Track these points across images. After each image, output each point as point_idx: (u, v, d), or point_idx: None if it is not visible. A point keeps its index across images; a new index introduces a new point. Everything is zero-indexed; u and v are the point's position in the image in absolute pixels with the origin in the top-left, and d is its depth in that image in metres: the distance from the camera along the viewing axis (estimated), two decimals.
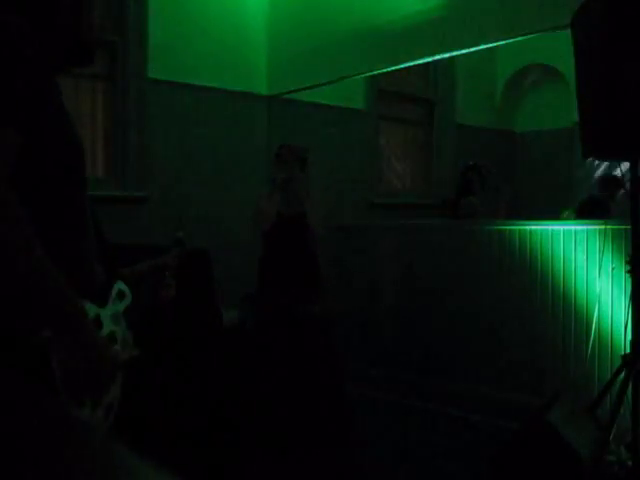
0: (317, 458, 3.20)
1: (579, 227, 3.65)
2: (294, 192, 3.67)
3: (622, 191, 4.76)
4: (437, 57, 4.25)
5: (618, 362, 2.73)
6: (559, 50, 4.70)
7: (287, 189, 3.62)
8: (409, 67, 4.63)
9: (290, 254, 3.63)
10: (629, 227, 2.71)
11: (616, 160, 2.98)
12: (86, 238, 1.34)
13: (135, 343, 1.46)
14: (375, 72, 4.73)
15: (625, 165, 2.87)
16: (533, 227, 3.84)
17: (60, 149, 1.25)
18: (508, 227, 3.97)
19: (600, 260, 3.42)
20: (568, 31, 2.71)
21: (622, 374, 2.60)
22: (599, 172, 6.14)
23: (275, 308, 3.56)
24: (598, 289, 3.45)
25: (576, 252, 3.62)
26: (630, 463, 2.60)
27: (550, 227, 3.76)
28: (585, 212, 5.19)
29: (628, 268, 2.71)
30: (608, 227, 3.41)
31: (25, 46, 1.16)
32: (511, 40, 3.83)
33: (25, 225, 1.07)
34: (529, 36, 3.72)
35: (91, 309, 1.29)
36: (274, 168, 3.70)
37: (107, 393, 1.28)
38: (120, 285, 1.45)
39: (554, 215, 4.85)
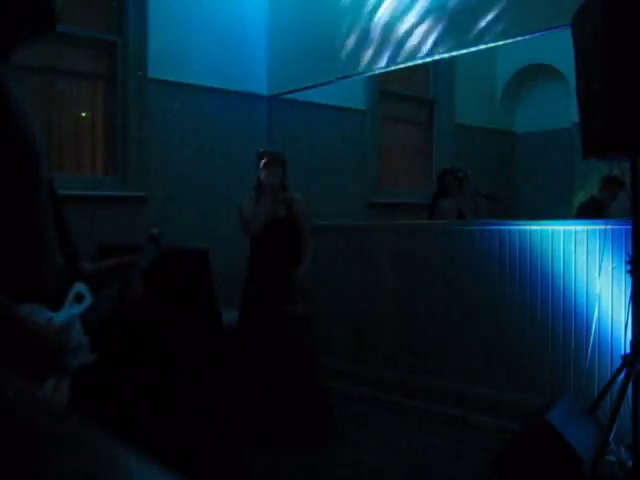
0: (296, 453, 3.24)
1: (579, 227, 3.65)
2: (282, 197, 3.77)
3: (623, 192, 4.76)
4: (437, 57, 4.25)
5: (618, 362, 2.73)
6: (559, 50, 4.70)
7: (275, 194, 3.70)
8: (409, 67, 4.63)
9: (276, 256, 3.73)
10: (629, 227, 2.71)
11: (616, 160, 2.98)
12: (39, 240, 1.26)
13: (92, 348, 1.38)
14: (375, 72, 4.73)
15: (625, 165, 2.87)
16: (533, 227, 3.84)
17: (12, 150, 1.18)
18: (508, 227, 3.97)
19: (600, 260, 3.42)
20: (568, 31, 2.71)
21: (622, 374, 2.60)
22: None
23: (258, 306, 3.66)
24: (598, 289, 3.45)
25: (576, 252, 3.62)
26: (630, 463, 2.60)
27: (550, 227, 3.76)
28: (585, 212, 5.19)
29: (628, 268, 2.71)
30: (608, 227, 3.41)
31: None
32: (511, 40, 3.83)
33: None
34: (529, 36, 3.72)
35: (42, 313, 1.24)
36: (261, 174, 3.77)
37: (45, 381, 1.22)
38: (79, 287, 1.37)
39: (554, 215, 4.85)
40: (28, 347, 1.15)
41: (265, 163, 3.75)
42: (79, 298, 1.36)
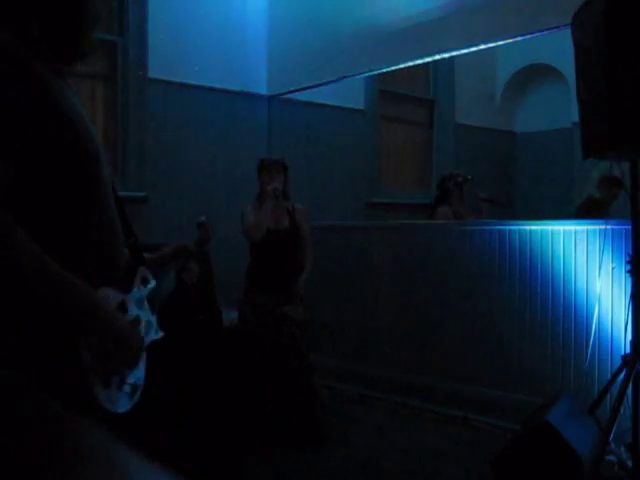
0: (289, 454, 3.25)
1: (579, 227, 3.65)
2: (284, 205, 3.80)
3: (623, 192, 4.76)
4: (437, 57, 4.25)
5: (618, 362, 2.73)
6: (559, 50, 4.70)
7: (278, 201, 3.72)
8: (409, 67, 4.63)
9: (277, 265, 3.76)
10: (629, 227, 2.71)
11: (616, 160, 2.98)
12: (110, 229, 1.41)
13: (159, 326, 1.52)
14: (375, 72, 4.73)
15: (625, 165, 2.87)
16: (533, 227, 3.84)
17: (73, 149, 1.28)
18: (508, 227, 3.97)
19: (600, 260, 3.42)
20: (568, 31, 2.71)
21: (622, 374, 2.60)
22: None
23: (257, 310, 3.68)
24: (598, 289, 3.45)
25: (576, 252, 3.62)
26: (630, 463, 2.60)
27: (550, 227, 3.76)
28: (584, 212, 5.19)
29: (628, 268, 2.71)
30: (608, 227, 3.40)
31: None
32: (511, 40, 3.83)
33: (28, 245, 1.13)
34: (529, 36, 3.72)
35: (116, 296, 1.35)
36: (263, 182, 3.78)
37: (131, 373, 1.35)
38: (144, 271, 1.50)
39: (554, 215, 4.85)
40: (111, 337, 1.25)
41: (267, 171, 3.77)
42: (145, 281, 1.51)
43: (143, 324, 1.45)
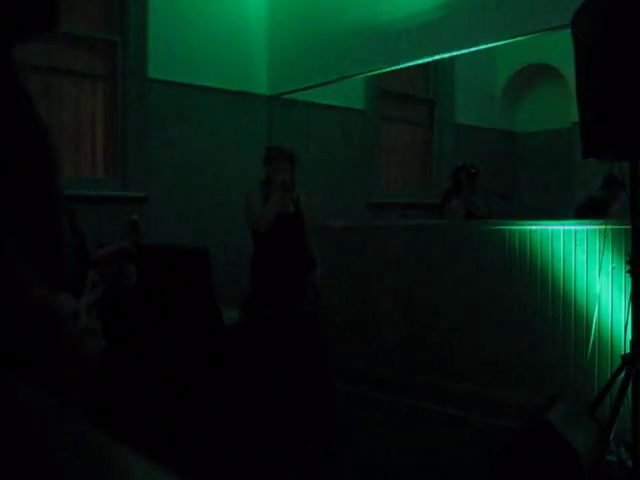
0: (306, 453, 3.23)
1: (579, 227, 3.65)
2: (290, 193, 3.68)
3: (623, 192, 4.76)
4: (437, 57, 4.25)
5: (618, 362, 2.73)
6: (559, 50, 4.70)
7: (285, 190, 3.61)
8: (409, 67, 4.63)
9: (286, 256, 3.63)
10: (629, 227, 2.71)
11: (616, 160, 2.98)
12: (59, 227, 1.31)
13: (102, 334, 1.39)
14: (375, 72, 4.73)
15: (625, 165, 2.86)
16: (533, 227, 3.84)
17: (18, 146, 1.18)
18: (508, 227, 3.97)
19: (600, 260, 3.42)
20: (568, 31, 2.71)
21: (622, 374, 2.60)
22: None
23: (269, 307, 3.56)
24: (598, 289, 3.45)
25: (576, 252, 3.62)
26: (630, 463, 2.60)
27: (550, 227, 3.76)
28: (584, 212, 5.19)
29: (628, 268, 2.71)
30: (608, 227, 3.41)
31: None
32: (511, 40, 3.83)
33: None
34: (529, 36, 3.72)
35: (70, 301, 1.25)
36: (269, 169, 3.68)
37: (88, 385, 1.26)
38: (92, 274, 1.39)
39: (554, 215, 4.84)
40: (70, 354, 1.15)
41: (275, 159, 3.66)
42: (94, 285, 1.38)
43: (90, 332, 1.33)
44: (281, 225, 3.60)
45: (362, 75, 4.88)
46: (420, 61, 4.34)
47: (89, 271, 1.39)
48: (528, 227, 3.87)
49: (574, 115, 3.04)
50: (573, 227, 3.68)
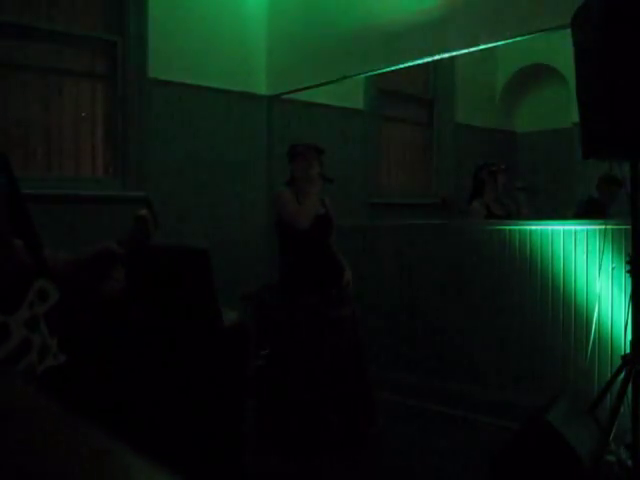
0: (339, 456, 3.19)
1: (579, 227, 3.65)
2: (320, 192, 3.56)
3: (622, 191, 4.76)
4: (437, 57, 4.24)
5: (618, 362, 2.73)
6: (559, 50, 4.70)
7: (324, 182, 3.48)
8: (409, 67, 4.63)
9: (324, 257, 3.54)
10: (629, 227, 2.71)
11: (616, 160, 2.98)
12: None
13: (61, 348, 1.25)
14: (375, 72, 4.73)
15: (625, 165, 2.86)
16: (533, 227, 3.84)
17: None
18: (508, 227, 3.97)
19: (600, 260, 3.42)
20: (568, 31, 2.71)
21: (622, 374, 2.60)
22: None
23: (306, 309, 3.43)
24: (598, 289, 3.45)
25: (576, 252, 3.62)
26: (630, 463, 2.60)
27: (550, 227, 3.76)
28: (584, 212, 5.19)
29: (628, 268, 2.71)
30: (608, 227, 3.41)
31: None
32: (511, 40, 3.83)
33: None
34: (529, 36, 3.72)
35: None
36: (296, 167, 3.56)
37: None
38: (42, 283, 1.23)
39: (554, 215, 4.85)
40: None
41: (302, 155, 3.54)
42: (43, 296, 1.23)
43: (36, 348, 1.20)
44: (318, 225, 3.51)
45: (362, 75, 4.88)
46: (420, 61, 4.33)
47: (35, 281, 1.23)
48: (528, 227, 3.87)
49: (574, 115, 3.04)
50: (573, 227, 3.68)
